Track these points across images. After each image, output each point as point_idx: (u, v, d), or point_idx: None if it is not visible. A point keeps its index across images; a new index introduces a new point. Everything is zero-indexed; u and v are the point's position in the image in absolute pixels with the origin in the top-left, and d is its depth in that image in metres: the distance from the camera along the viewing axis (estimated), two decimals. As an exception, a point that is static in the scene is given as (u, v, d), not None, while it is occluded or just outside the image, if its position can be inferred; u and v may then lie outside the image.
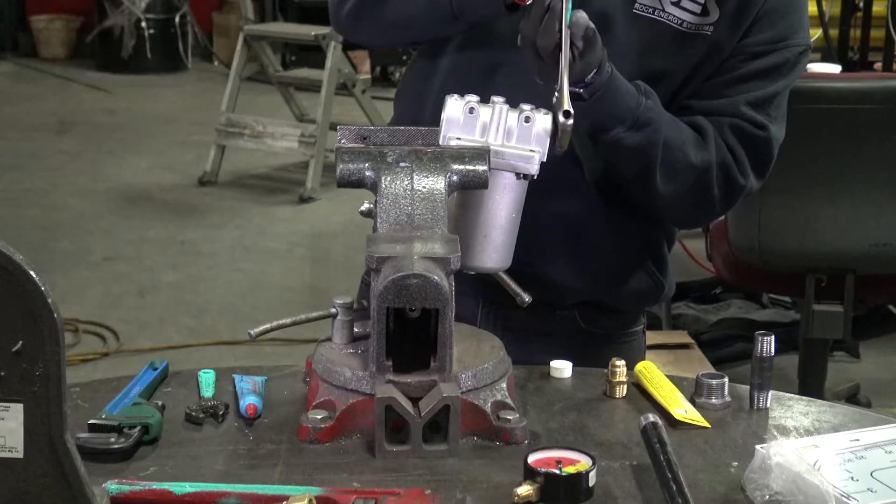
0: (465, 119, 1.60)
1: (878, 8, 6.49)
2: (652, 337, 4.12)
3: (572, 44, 1.59)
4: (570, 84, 1.57)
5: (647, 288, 1.97)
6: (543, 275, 1.87)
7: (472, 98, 1.61)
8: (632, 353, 1.99)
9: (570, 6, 1.59)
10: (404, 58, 9.49)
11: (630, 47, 1.80)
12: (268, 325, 1.62)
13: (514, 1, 1.69)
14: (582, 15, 1.60)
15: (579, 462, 1.39)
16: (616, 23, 1.79)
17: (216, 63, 9.83)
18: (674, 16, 1.80)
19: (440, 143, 1.61)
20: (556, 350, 1.84)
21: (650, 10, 1.80)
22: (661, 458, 1.41)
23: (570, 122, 1.54)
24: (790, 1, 1.84)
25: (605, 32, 1.69)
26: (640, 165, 1.79)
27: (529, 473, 1.37)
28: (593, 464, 1.39)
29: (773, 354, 1.62)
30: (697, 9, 1.80)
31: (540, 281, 1.84)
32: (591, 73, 1.67)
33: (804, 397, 1.71)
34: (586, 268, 1.91)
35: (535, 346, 1.89)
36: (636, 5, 1.80)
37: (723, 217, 3.72)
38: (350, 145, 1.60)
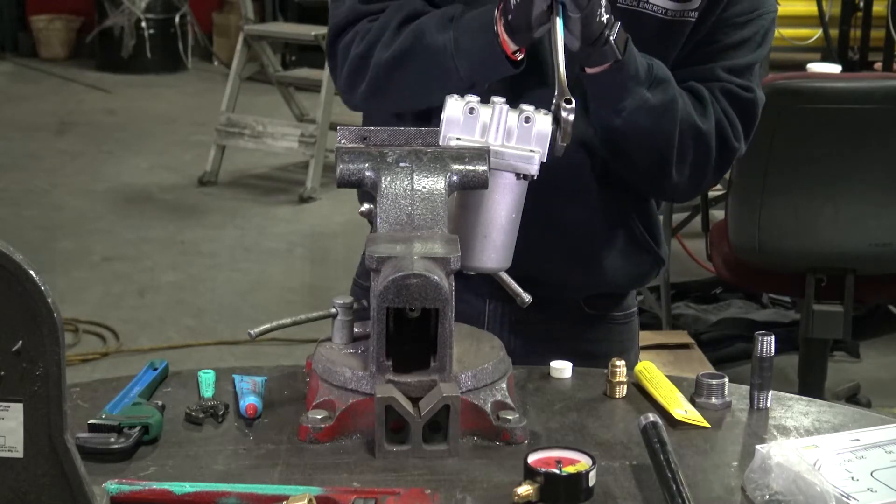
0: (465, 119, 1.60)
1: (878, 8, 6.50)
2: (652, 337, 4.16)
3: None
4: (601, 41, 1.64)
5: (649, 265, 2.00)
6: (550, 276, 1.90)
7: (473, 98, 1.61)
8: (630, 333, 2.05)
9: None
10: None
11: None
12: (268, 325, 1.62)
13: (511, 56, 1.72)
14: None
15: (579, 462, 1.39)
16: None
17: (216, 63, 9.83)
18: (657, 6, 1.83)
19: (440, 143, 1.61)
20: (561, 337, 1.91)
21: (633, 2, 1.82)
22: (661, 458, 1.41)
23: (573, 106, 1.56)
24: None
25: None
26: (664, 126, 1.80)
27: (529, 473, 1.37)
28: (593, 464, 1.39)
29: (773, 354, 1.62)
30: None
31: (547, 281, 1.87)
32: (607, 13, 1.67)
33: (804, 397, 1.70)
34: (591, 265, 1.94)
35: (542, 335, 1.93)
36: (619, 1, 1.82)
37: (723, 217, 3.73)
38: (350, 145, 1.60)
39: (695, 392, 1.65)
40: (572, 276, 1.93)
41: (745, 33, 1.87)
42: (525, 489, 1.36)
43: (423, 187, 1.54)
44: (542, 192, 1.67)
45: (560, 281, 1.92)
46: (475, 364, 1.55)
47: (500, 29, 1.70)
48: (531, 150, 1.60)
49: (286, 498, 1.32)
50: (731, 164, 1.93)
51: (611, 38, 1.68)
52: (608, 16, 1.68)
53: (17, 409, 1.19)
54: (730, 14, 1.86)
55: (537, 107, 1.61)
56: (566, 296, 1.96)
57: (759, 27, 1.89)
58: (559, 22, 1.64)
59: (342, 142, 1.62)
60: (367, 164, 1.55)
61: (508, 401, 1.54)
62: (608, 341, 1.96)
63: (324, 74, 6.68)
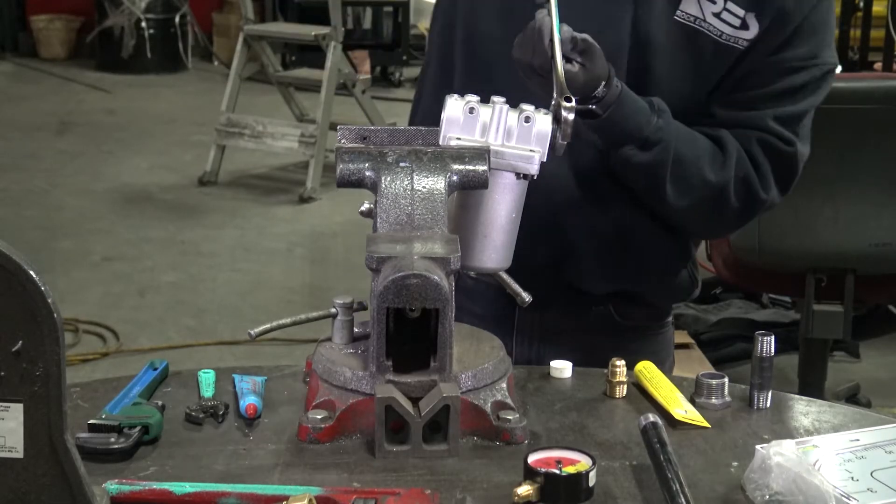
0: (465, 119, 1.60)
1: (878, 8, 6.50)
2: (652, 337, 4.14)
3: (569, 59, 1.66)
4: (581, 100, 1.64)
5: (686, 284, 2.02)
6: (580, 283, 1.92)
7: (473, 98, 1.61)
8: (664, 343, 2.05)
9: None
10: (404, 58, 9.50)
11: (667, 51, 1.84)
12: (268, 325, 1.62)
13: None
14: (566, 28, 1.66)
15: (579, 462, 1.39)
16: (657, 28, 1.84)
17: (216, 63, 9.84)
18: (714, 27, 1.84)
19: (440, 143, 1.61)
20: (592, 345, 1.90)
21: (692, 18, 1.84)
22: (661, 458, 1.41)
23: (573, 104, 1.57)
24: (825, 20, 1.88)
25: (647, 36, 1.78)
26: (649, 181, 1.85)
27: (529, 473, 1.37)
28: (593, 464, 1.39)
29: (773, 354, 1.62)
30: (737, 22, 1.84)
31: (576, 287, 1.89)
32: (601, 86, 1.72)
33: (804, 397, 1.71)
34: (623, 272, 1.94)
35: (572, 343, 1.92)
36: (677, 13, 1.84)
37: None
38: (350, 145, 1.60)
39: (695, 392, 1.65)
40: (600, 283, 1.93)
41: (798, 79, 1.87)
42: (525, 489, 1.36)
43: (423, 187, 1.54)
44: (575, 196, 1.67)
45: (588, 288, 1.92)
46: (475, 364, 1.55)
47: None
48: (531, 150, 1.60)
49: (286, 498, 1.32)
50: (758, 212, 1.95)
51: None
52: (604, 89, 1.73)
53: (17, 409, 1.19)
54: (786, 56, 1.85)
55: (537, 106, 1.61)
56: (597, 295, 1.95)
57: (813, 76, 1.88)
58: (556, 19, 1.63)
59: (342, 141, 1.62)
60: (367, 164, 1.55)
61: (508, 401, 1.54)
62: (642, 353, 1.86)
63: (324, 74, 6.68)
